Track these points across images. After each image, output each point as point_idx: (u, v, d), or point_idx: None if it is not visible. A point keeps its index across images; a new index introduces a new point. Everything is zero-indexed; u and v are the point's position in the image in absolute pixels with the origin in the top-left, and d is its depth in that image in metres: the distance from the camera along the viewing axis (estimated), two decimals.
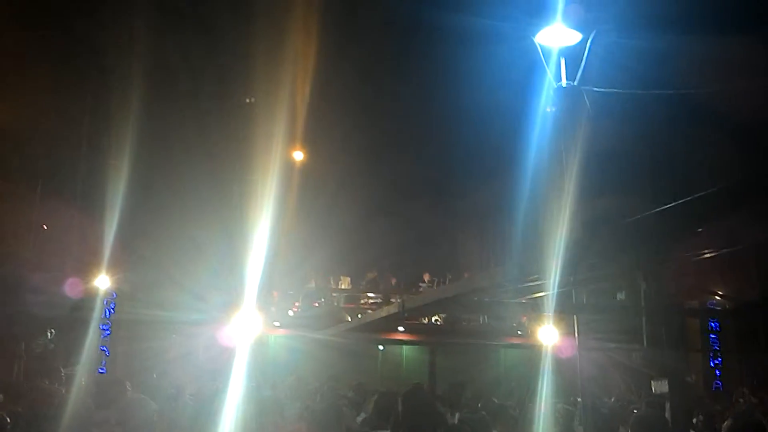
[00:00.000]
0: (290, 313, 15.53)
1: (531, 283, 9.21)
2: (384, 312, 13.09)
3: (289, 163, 13.83)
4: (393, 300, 15.48)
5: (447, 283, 16.52)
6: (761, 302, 11.85)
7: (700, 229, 6.92)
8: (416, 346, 15.11)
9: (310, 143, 14.17)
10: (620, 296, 13.59)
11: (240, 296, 10.29)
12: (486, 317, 15.27)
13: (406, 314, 12.08)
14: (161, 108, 12.65)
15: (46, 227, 13.43)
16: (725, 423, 4.51)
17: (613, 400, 9.35)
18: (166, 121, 13.07)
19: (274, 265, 12.01)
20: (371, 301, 16.42)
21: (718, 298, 13.21)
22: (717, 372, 15.03)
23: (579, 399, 6.66)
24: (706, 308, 13.61)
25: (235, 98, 13.98)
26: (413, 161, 15.68)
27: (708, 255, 7.53)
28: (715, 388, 14.61)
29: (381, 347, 15.13)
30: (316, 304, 15.93)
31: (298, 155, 14.50)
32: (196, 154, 13.10)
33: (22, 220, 12.77)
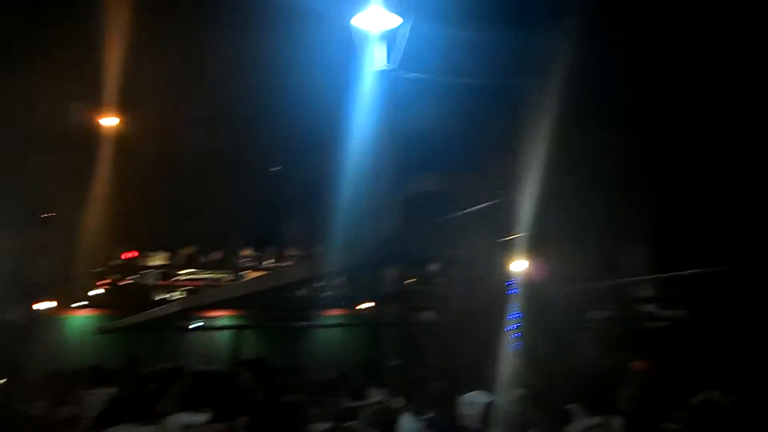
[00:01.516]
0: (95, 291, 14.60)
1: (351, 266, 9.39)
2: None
3: (98, 133, 12.85)
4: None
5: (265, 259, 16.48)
6: None
7: None
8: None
9: (122, 112, 13.26)
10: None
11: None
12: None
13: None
14: None
15: None
16: None
17: None
18: None
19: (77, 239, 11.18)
20: (187, 276, 15.90)
21: None
22: None
23: None
24: None
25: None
26: (233, 135, 15.32)
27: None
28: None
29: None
30: (127, 281, 15.09)
31: (109, 122, 13.50)
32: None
33: None
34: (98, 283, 14.91)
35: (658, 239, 20.60)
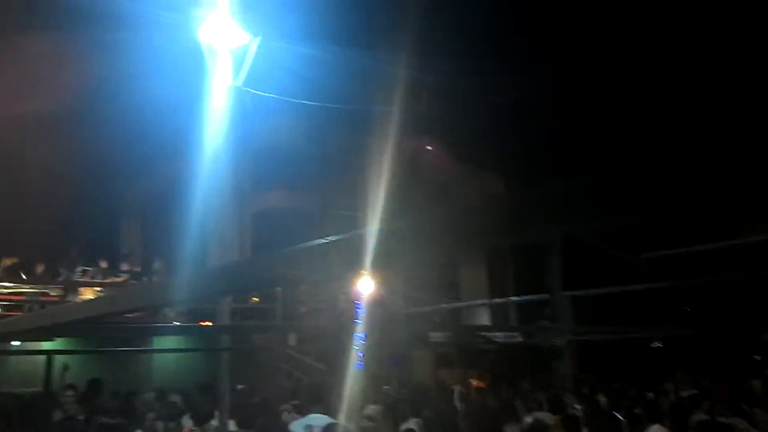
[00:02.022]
0: None
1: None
2: None
3: None
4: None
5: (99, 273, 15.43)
6: None
7: None
8: None
9: None
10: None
11: None
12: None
13: None
14: None
15: None
16: None
17: None
18: None
19: None
20: (7, 291, 14.41)
21: None
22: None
23: None
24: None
25: None
26: (70, 143, 14.31)
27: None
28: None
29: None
30: None
31: None
32: None
33: None
34: None
35: (494, 268, 21.95)
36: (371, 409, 4.90)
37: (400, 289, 14.17)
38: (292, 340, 14.50)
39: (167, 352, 12.84)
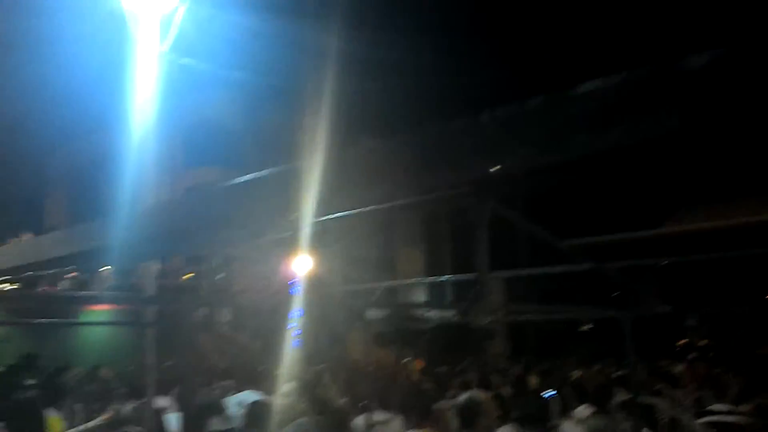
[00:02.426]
0: None
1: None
2: None
3: None
4: None
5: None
6: None
7: None
8: None
9: None
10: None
11: None
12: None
13: None
14: None
15: None
16: None
17: None
18: None
19: None
20: None
21: None
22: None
23: None
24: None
25: None
26: None
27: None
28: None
29: None
30: None
31: None
32: None
33: None
34: None
35: (432, 245, 22.15)
36: (288, 386, 4.88)
37: (337, 267, 14.12)
38: (226, 317, 14.29)
39: (95, 325, 12.55)
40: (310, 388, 4.63)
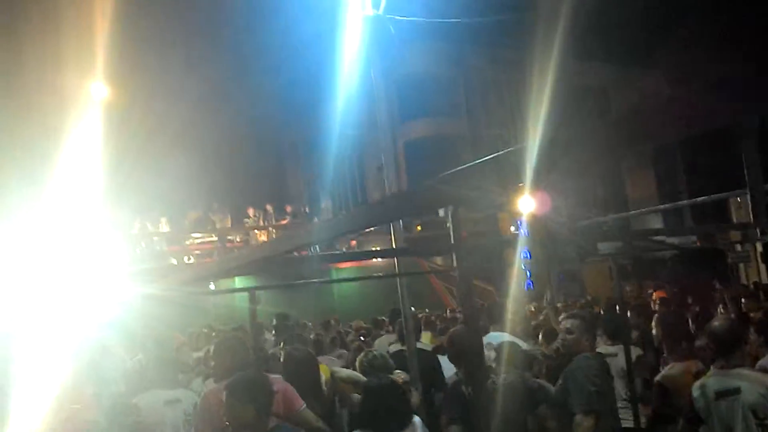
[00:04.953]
0: (111, 263, 14.58)
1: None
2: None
3: (98, 104, 12.72)
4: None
5: (271, 217, 16.50)
6: None
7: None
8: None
9: (117, 78, 13.12)
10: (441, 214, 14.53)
11: (56, 247, 9.40)
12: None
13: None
14: None
15: None
16: None
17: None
18: None
19: (88, 210, 11.15)
20: (198, 241, 15.93)
21: None
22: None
23: None
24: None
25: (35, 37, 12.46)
26: (227, 97, 15.20)
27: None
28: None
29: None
30: (137, 251, 15.11)
31: (103, 91, 13.36)
32: None
33: None
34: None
35: (662, 170, 20.58)
36: (570, 322, 4.87)
37: (564, 203, 13.79)
38: (459, 263, 14.71)
39: (349, 281, 13.40)
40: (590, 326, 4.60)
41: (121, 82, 13.37)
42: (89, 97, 12.54)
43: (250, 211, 16.83)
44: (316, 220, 16.18)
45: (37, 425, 3.58)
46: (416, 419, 3.68)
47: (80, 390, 3.92)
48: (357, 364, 4.96)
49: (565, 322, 4.36)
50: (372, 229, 11.53)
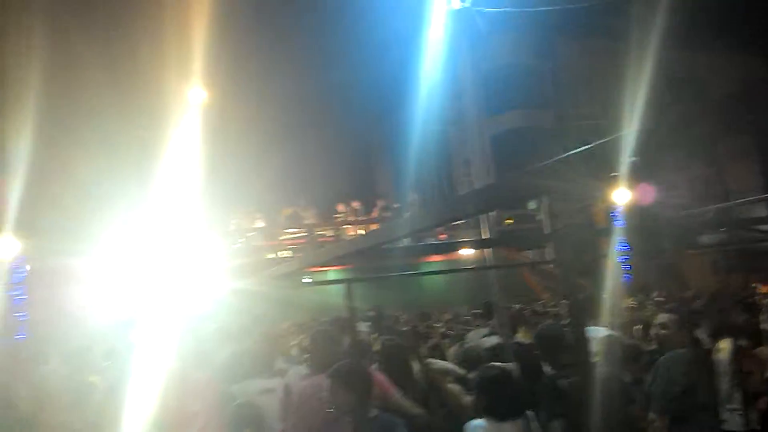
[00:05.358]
0: (211, 258, 15.27)
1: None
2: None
3: (195, 105, 13.35)
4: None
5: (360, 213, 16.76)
6: None
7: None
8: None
9: (213, 82, 13.72)
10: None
11: (160, 244, 9.98)
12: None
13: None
14: (67, 51, 11.81)
15: None
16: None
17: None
18: (74, 66, 12.23)
19: (190, 208, 11.74)
20: (291, 236, 16.44)
21: None
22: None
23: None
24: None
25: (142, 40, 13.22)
26: (318, 94, 15.54)
27: None
28: None
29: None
30: (235, 246, 15.74)
31: (202, 95, 13.99)
32: (102, 99, 12.43)
33: None
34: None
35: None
36: (664, 317, 4.73)
37: (663, 193, 13.26)
38: (548, 256, 14.49)
39: (443, 273, 13.44)
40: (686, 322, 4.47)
41: (218, 86, 13.97)
42: (189, 101, 13.17)
43: (340, 207, 17.19)
44: (405, 214, 16.30)
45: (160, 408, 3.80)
46: (528, 411, 3.69)
47: (194, 377, 4.15)
48: (451, 355, 5.01)
49: (660, 317, 4.24)
50: (461, 222, 11.52)
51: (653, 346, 4.98)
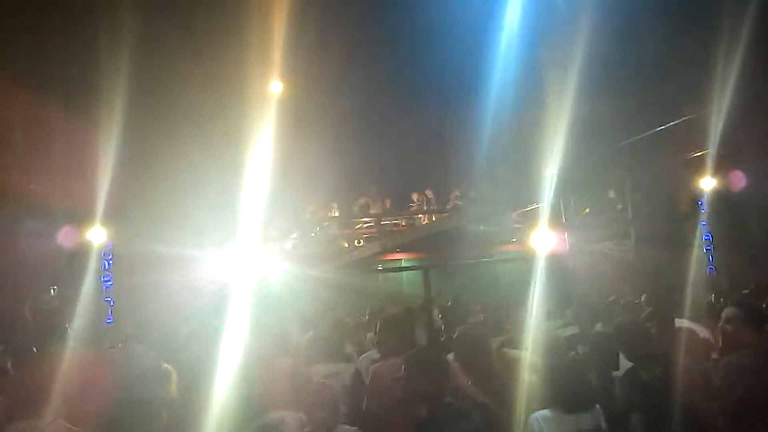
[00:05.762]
0: (288, 246, 15.63)
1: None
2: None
3: (275, 94, 13.66)
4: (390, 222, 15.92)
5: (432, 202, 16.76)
6: None
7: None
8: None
9: (290, 74, 13.97)
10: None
11: (240, 232, 10.26)
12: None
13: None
14: (154, 44, 12.31)
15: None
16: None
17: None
18: (159, 57, 12.74)
19: (268, 198, 12.03)
20: (366, 225, 16.61)
21: None
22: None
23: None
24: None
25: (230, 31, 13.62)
26: (389, 82, 15.58)
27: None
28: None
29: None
30: (312, 234, 16.04)
31: (280, 87, 14.29)
32: (188, 89, 12.88)
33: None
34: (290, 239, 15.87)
35: None
36: (729, 311, 4.53)
37: (753, 181, 12.61)
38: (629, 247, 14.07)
39: (516, 261, 13.30)
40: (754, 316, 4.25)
41: (295, 78, 14.22)
42: (269, 93, 13.47)
43: (414, 196, 17.23)
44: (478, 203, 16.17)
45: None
46: (597, 405, 3.65)
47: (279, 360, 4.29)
48: (527, 345, 4.96)
49: (725, 311, 3.97)
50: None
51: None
